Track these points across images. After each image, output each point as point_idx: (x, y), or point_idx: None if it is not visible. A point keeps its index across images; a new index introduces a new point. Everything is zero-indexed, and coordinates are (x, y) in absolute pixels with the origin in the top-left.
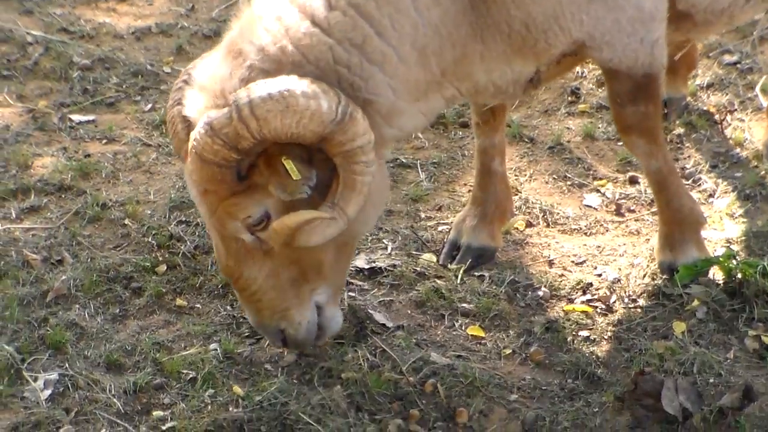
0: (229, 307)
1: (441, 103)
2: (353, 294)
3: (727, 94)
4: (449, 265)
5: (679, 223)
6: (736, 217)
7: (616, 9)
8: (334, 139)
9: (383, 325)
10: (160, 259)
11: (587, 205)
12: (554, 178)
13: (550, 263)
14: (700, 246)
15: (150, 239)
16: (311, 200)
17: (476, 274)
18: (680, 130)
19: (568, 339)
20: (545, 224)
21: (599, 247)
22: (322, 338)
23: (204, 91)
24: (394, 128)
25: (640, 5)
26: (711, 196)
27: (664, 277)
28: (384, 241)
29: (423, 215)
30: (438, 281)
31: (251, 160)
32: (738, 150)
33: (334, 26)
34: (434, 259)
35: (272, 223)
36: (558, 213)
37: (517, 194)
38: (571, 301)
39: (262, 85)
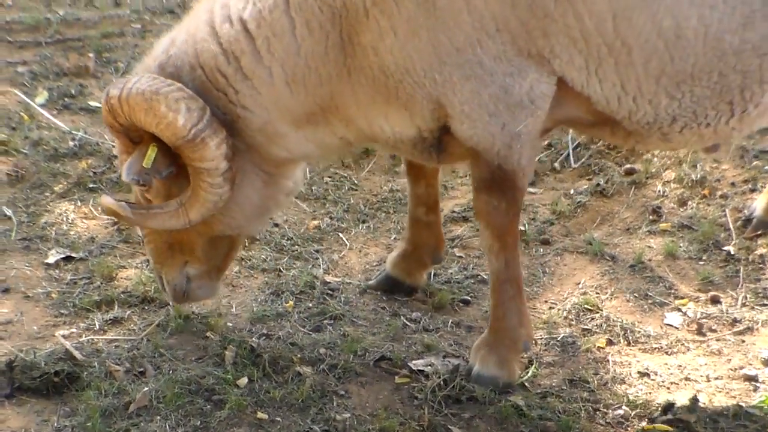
0: (309, 421)
1: (333, 139)
2: (432, 408)
3: None
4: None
5: (495, 332)
6: None
7: (475, 79)
8: (185, 153)
9: None
10: (242, 372)
11: (668, 324)
12: (635, 296)
13: (631, 382)
14: (504, 365)
15: (231, 352)
16: (167, 187)
17: (556, 391)
18: (763, 251)
19: None
20: (626, 342)
21: (680, 366)
22: (184, 300)
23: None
24: (281, 148)
25: (507, 86)
26: None
27: (746, 397)
28: (466, 356)
29: None
30: (518, 398)
31: (142, 133)
32: None
33: (223, 35)
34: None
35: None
36: (639, 331)
37: (598, 312)
38: (652, 420)
39: (146, 80)
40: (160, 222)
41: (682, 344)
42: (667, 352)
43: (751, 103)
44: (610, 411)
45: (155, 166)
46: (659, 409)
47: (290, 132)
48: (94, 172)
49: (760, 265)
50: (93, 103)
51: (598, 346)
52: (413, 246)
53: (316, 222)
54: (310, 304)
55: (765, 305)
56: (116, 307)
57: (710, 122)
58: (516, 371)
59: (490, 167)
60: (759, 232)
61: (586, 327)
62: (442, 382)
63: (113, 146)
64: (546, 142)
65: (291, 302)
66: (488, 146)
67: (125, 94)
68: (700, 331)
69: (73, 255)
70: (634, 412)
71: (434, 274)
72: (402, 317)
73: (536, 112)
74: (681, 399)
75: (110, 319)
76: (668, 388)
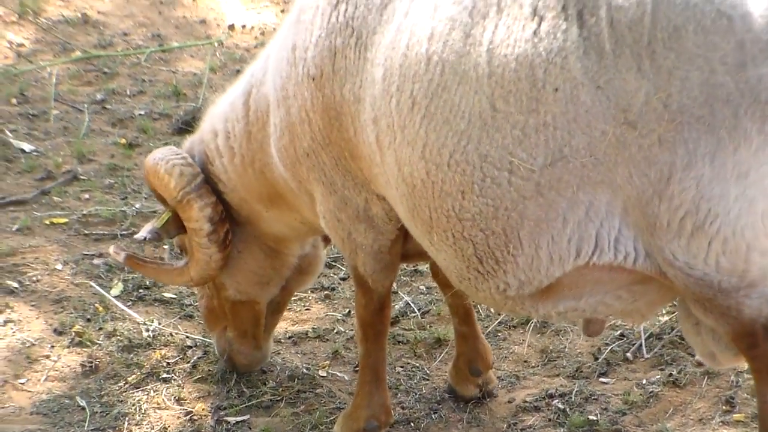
0: None
1: (297, 223)
2: None
3: None
4: None
5: (352, 405)
6: None
7: (323, 184)
8: (179, 213)
9: None
10: None
11: None
12: None
13: None
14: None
15: None
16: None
17: None
18: None
19: None
20: None
21: None
22: (230, 365)
23: None
24: (264, 225)
25: (346, 198)
26: None
27: None
28: None
29: None
30: None
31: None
32: None
33: (215, 114)
34: None
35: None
36: None
37: None
38: None
39: (162, 151)
40: (169, 278)
41: None
42: None
43: (500, 281)
44: None
45: (166, 227)
46: None
47: (263, 211)
48: (168, 362)
49: None
50: (167, 294)
51: None
52: (458, 354)
53: None
54: None
55: None
56: None
57: (477, 286)
58: None
59: (349, 264)
60: None
61: None
62: None
63: (187, 336)
64: (618, 333)
65: None
66: (341, 247)
67: (147, 161)
68: None
69: None
70: None
71: None
72: None
73: (377, 230)
74: None
75: None
76: None
